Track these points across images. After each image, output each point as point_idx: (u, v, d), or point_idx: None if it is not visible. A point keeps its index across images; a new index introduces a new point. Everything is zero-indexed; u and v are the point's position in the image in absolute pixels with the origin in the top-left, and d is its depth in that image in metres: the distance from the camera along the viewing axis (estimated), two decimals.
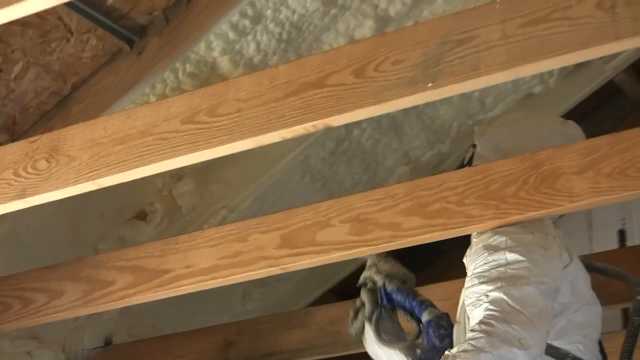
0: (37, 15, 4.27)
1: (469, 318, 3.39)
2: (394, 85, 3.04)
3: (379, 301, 3.91)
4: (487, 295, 3.27)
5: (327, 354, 5.12)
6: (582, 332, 3.47)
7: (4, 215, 4.82)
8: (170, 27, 4.71)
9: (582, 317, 3.48)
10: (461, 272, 3.62)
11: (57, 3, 2.95)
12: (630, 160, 3.38)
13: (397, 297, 3.88)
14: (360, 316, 3.99)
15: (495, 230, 3.48)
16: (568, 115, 6.07)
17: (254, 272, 4.00)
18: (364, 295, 3.96)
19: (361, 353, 4.48)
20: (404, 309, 3.91)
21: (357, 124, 5.53)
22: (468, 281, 3.42)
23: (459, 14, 3.08)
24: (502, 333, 3.15)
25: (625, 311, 5.63)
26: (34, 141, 3.64)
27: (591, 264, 3.74)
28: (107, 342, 5.64)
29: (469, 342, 3.24)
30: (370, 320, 3.89)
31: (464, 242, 3.76)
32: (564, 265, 3.44)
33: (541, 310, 3.23)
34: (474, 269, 3.41)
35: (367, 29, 5.01)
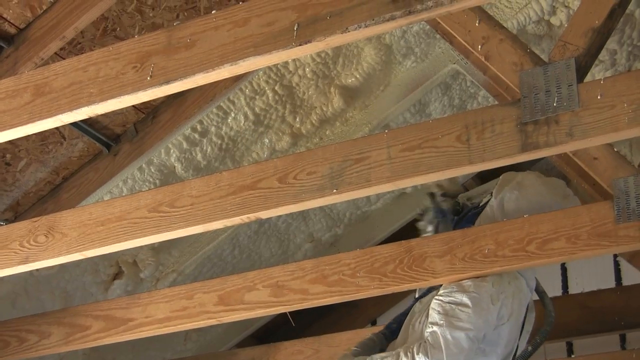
0: None
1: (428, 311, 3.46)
2: (308, 190, 3.09)
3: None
4: (432, 326, 3.34)
5: None
6: None
7: (5, 281, 4.83)
8: (138, 136, 4.73)
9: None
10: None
11: (61, 124, 2.99)
12: (477, 249, 3.45)
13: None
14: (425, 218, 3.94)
15: None
16: None
17: (197, 323, 4.00)
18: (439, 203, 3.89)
19: None
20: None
21: None
22: (434, 299, 3.44)
23: (357, 140, 3.16)
24: None
25: (623, 336, 5.64)
26: (35, 221, 3.61)
27: (538, 286, 3.70)
28: None
29: (396, 354, 3.32)
30: (432, 223, 3.84)
31: None
32: (501, 323, 3.43)
33: (459, 352, 3.30)
34: (441, 292, 3.44)
35: (284, 142, 5.05)
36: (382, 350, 3.69)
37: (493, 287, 3.42)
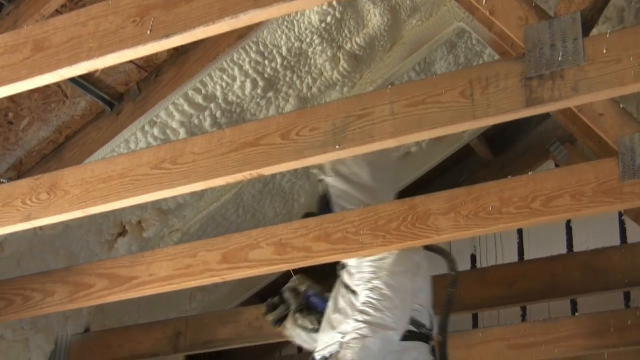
0: None
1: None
2: (310, 146, 3.06)
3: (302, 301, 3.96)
4: (369, 282, 3.41)
5: (252, 343, 5.14)
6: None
7: (9, 241, 4.81)
8: (141, 95, 4.69)
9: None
10: None
11: (60, 79, 2.96)
12: (481, 206, 3.43)
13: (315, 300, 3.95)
14: (278, 310, 4.03)
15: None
16: (435, 170, 6.13)
17: (200, 281, 4.00)
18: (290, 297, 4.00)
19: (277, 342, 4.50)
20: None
21: None
22: (359, 280, 3.58)
23: (359, 95, 3.12)
24: (380, 320, 3.26)
25: (627, 294, 5.65)
26: (37, 178, 3.59)
27: (429, 246, 3.80)
28: (86, 330, 5.57)
29: (356, 331, 3.31)
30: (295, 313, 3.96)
31: None
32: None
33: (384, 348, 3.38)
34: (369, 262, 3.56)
35: (290, 105, 5.01)
36: None
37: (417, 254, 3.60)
